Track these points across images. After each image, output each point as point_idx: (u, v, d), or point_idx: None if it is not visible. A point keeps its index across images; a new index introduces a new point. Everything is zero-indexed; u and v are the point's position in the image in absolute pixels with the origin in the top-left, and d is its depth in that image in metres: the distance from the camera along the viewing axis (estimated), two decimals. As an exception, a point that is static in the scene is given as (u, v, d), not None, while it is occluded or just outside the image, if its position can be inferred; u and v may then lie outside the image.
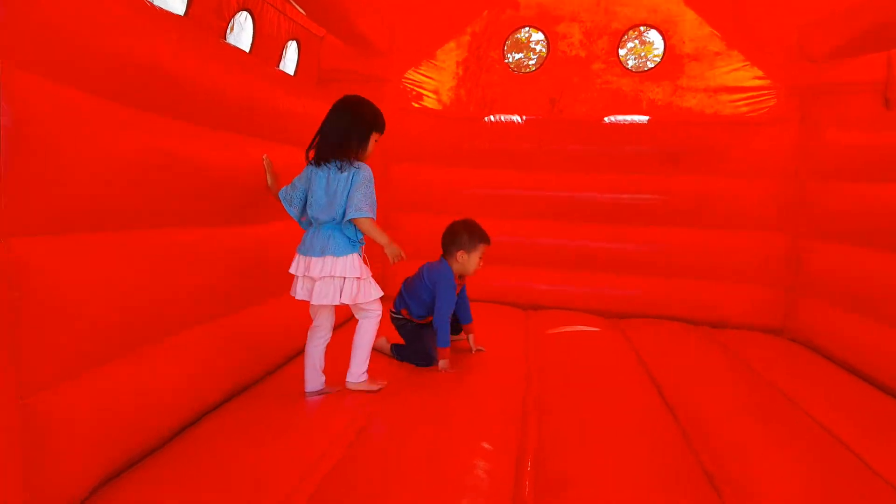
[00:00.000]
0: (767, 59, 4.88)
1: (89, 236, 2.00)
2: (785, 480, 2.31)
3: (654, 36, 5.38)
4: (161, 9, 2.50)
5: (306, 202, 2.83)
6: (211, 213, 2.72)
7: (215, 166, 2.70)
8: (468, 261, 3.46)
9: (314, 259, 2.71)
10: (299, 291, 2.79)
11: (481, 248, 3.48)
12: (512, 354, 3.76)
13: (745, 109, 5.03)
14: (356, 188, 2.70)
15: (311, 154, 2.83)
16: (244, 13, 4.11)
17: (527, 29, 5.52)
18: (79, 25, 1.90)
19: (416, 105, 5.34)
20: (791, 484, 2.29)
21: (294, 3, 3.95)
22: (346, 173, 2.71)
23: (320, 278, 2.71)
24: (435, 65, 5.42)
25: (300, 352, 3.63)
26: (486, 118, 5.08)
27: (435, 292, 3.41)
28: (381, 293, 2.87)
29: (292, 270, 2.80)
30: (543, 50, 5.52)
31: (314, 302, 2.75)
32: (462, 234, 3.47)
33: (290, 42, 4.68)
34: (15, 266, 1.67)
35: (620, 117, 4.95)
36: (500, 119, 5.04)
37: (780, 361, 3.92)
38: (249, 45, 4.20)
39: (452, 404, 2.91)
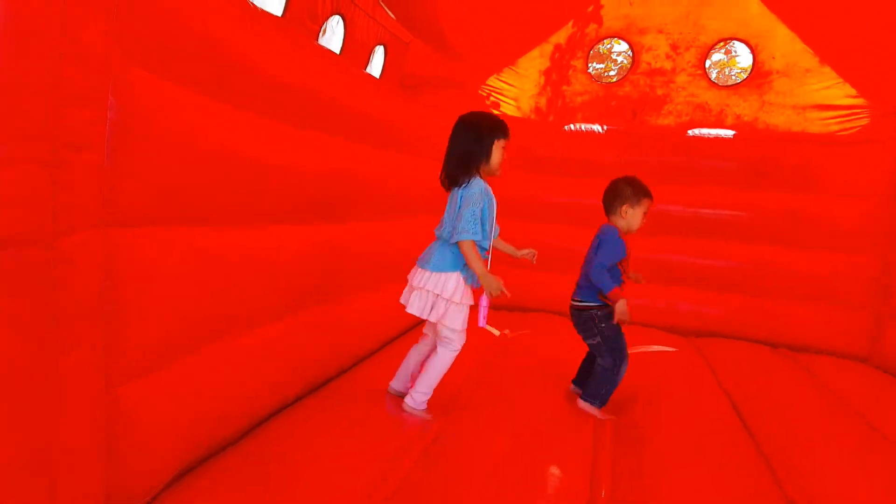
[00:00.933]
0: (862, 78, 4.70)
1: (182, 229, 2.03)
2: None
3: (741, 49, 5.26)
4: (262, 9, 2.58)
5: None
6: (295, 210, 2.76)
7: (302, 165, 2.74)
8: (633, 215, 3.21)
9: (419, 269, 2.78)
10: (403, 295, 2.85)
11: (645, 202, 3.22)
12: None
13: (835, 128, 4.85)
14: (464, 206, 2.68)
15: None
16: (336, 17, 4.25)
17: (608, 40, 5.49)
18: (186, 21, 1.93)
19: (498, 112, 5.38)
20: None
21: (384, 6, 4.06)
22: (461, 190, 2.75)
23: (417, 288, 2.75)
24: (517, 72, 5.45)
25: (376, 350, 3.72)
26: (566, 127, 5.08)
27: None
28: (465, 326, 2.78)
29: (409, 276, 2.85)
30: (625, 61, 5.48)
31: (407, 309, 2.78)
32: (625, 188, 3.24)
33: (377, 47, 4.81)
34: (112, 255, 1.66)
35: (705, 131, 4.85)
36: (580, 128, 5.02)
37: (866, 389, 3.75)
38: (339, 49, 4.33)
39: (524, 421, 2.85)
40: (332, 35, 4.32)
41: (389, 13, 4.12)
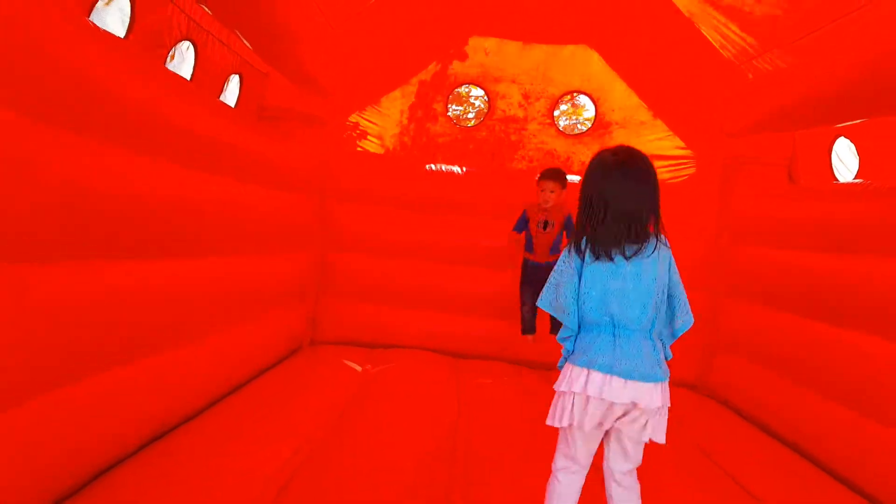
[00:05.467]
0: (689, 131, 5.25)
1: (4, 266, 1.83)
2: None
3: (585, 100, 5.69)
4: (101, 28, 2.41)
5: None
6: (134, 245, 2.55)
7: (143, 195, 2.56)
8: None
9: (628, 381, 2.03)
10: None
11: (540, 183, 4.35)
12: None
13: (667, 176, 5.35)
14: (676, 276, 2.18)
15: None
16: (187, 42, 4.07)
17: (467, 85, 5.72)
18: (9, 35, 1.77)
19: (360, 148, 5.39)
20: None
21: (243, 39, 3.95)
22: (661, 251, 2.13)
23: (646, 410, 2.05)
24: (379, 111, 5.50)
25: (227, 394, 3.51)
26: (427, 166, 5.18)
27: None
28: (559, 423, 2.10)
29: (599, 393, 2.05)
30: (483, 105, 5.72)
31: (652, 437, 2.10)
32: None
33: (232, 76, 4.66)
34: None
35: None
36: (441, 168, 5.15)
37: (695, 416, 4.08)
38: (190, 75, 4.14)
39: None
40: (182, 61, 4.13)
41: (246, 43, 4.01)
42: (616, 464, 2.14)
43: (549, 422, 2.11)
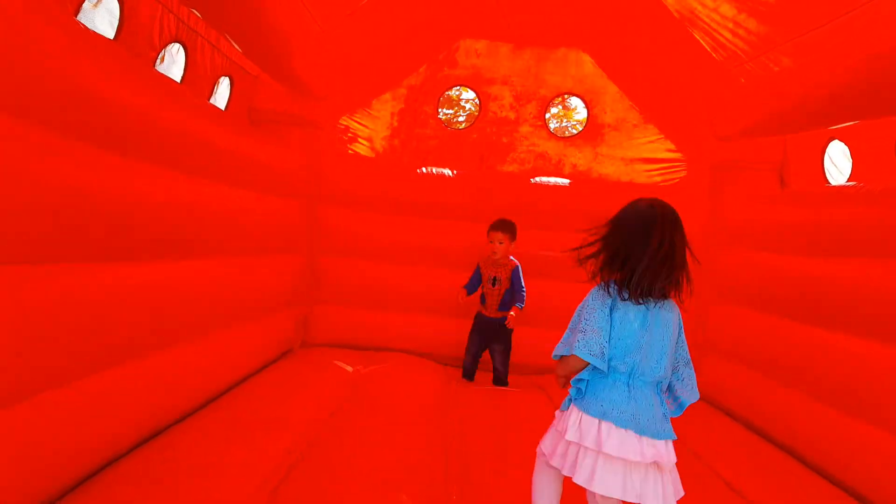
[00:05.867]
0: (680, 135, 5.27)
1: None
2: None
3: (576, 102, 5.69)
4: (90, 30, 2.41)
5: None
6: (125, 247, 2.55)
7: (134, 198, 2.55)
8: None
9: (645, 439, 1.97)
10: (623, 488, 1.96)
11: (490, 234, 4.48)
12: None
13: (658, 179, 5.36)
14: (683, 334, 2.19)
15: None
16: (177, 45, 4.05)
17: (458, 87, 5.71)
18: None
19: (350, 151, 5.38)
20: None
21: (232, 42, 3.93)
22: (671, 309, 2.15)
23: (664, 469, 2.01)
24: (370, 114, 5.49)
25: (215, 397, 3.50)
26: (418, 169, 5.17)
27: None
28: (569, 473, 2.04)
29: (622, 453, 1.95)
30: (474, 109, 5.72)
31: None
32: None
33: (222, 78, 4.63)
34: None
35: (545, 179, 5.15)
36: (431, 171, 5.14)
37: (686, 419, 4.07)
38: (180, 78, 4.12)
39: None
40: (172, 63, 4.10)
41: (236, 46, 3.99)
42: None
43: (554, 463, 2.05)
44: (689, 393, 2.11)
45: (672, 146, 5.34)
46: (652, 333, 2.00)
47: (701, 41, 4.30)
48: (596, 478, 1.90)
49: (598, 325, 2.01)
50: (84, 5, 3.19)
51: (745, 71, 4.14)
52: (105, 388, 2.37)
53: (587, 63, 5.52)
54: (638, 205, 2.12)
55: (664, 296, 2.02)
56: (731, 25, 3.91)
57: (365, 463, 2.76)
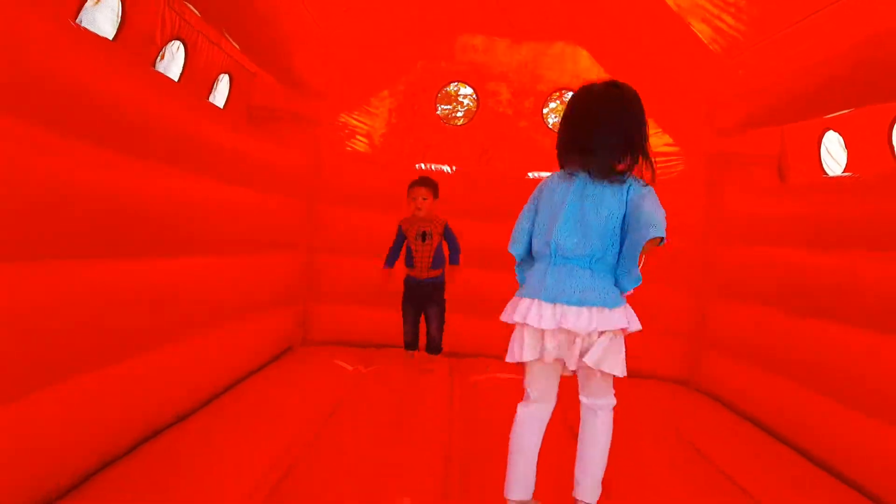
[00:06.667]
0: (677, 128, 5.28)
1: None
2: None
3: (575, 99, 5.71)
4: (87, 30, 2.42)
5: None
6: (118, 243, 2.52)
7: (131, 195, 2.55)
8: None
9: (567, 307, 2.05)
10: (544, 350, 2.12)
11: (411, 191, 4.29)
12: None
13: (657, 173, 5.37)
14: (647, 205, 2.13)
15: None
16: (177, 42, 4.05)
17: (456, 83, 5.73)
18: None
19: (349, 148, 5.38)
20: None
21: (231, 40, 3.93)
22: (626, 187, 2.17)
23: (581, 334, 2.06)
24: (368, 110, 5.50)
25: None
26: (416, 166, 5.18)
27: None
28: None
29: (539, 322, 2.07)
30: (472, 104, 5.73)
31: (588, 359, 2.07)
32: None
33: (221, 75, 4.64)
34: None
35: (544, 174, 5.17)
36: (430, 168, 5.15)
37: (686, 412, 4.12)
38: (179, 75, 4.13)
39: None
40: (172, 61, 4.11)
41: (234, 44, 3.99)
42: (581, 394, 2.21)
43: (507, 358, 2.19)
44: (625, 279, 2.13)
45: (669, 140, 5.35)
46: (584, 211, 2.04)
47: (698, 33, 4.31)
48: (515, 347, 2.11)
49: (523, 214, 2.23)
50: (86, 4, 3.19)
51: (743, 61, 4.15)
52: (104, 386, 2.37)
53: (584, 58, 5.53)
54: (591, 86, 2.23)
55: (608, 171, 2.05)
56: (733, 10, 3.93)
57: (365, 462, 2.76)
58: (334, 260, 5.11)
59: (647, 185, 2.12)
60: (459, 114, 5.73)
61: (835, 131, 4.48)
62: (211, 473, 2.49)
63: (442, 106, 5.67)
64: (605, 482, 2.51)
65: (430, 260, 4.30)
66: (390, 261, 4.41)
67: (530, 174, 5.16)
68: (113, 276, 2.44)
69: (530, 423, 2.17)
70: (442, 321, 4.46)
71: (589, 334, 2.02)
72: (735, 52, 4.15)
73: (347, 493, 2.47)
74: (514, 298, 2.15)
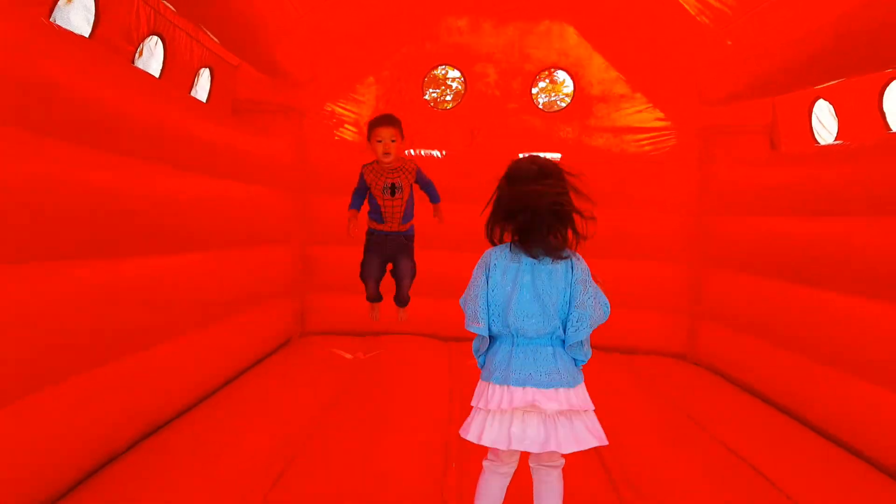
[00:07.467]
0: (668, 102, 5.23)
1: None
2: (690, 494, 2.46)
3: (563, 76, 5.65)
4: (62, 28, 2.39)
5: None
6: (99, 242, 2.49)
7: (115, 194, 2.53)
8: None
9: (539, 391, 1.97)
10: (525, 439, 1.99)
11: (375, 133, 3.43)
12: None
13: (648, 148, 5.34)
14: (589, 284, 2.09)
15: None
16: (154, 38, 4.00)
17: (443, 66, 5.66)
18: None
19: (337, 137, 5.34)
20: (695, 496, 2.44)
21: (208, 33, 3.88)
22: (569, 263, 2.06)
23: (560, 415, 1.99)
24: (355, 98, 5.44)
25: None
26: (406, 151, 5.13)
27: None
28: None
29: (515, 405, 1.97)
30: (460, 87, 5.67)
31: (564, 448, 2.00)
32: None
33: (202, 69, 4.58)
34: None
35: (534, 154, 5.13)
36: (420, 153, 5.11)
37: (684, 385, 4.13)
38: (159, 71, 4.07)
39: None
40: (151, 57, 4.05)
41: (213, 37, 3.94)
42: (531, 461, 2.13)
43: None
44: (576, 351, 2.06)
45: (661, 114, 5.31)
46: (536, 289, 1.99)
47: (685, 4, 4.24)
48: (483, 433, 1.98)
49: (475, 290, 2.06)
50: (59, 3, 3.14)
51: (731, 33, 4.09)
52: (104, 384, 2.38)
53: (571, 35, 5.46)
54: (518, 162, 2.19)
55: (552, 250, 2.00)
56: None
57: (365, 454, 2.76)
58: (328, 250, 5.09)
59: (579, 257, 2.08)
60: (448, 97, 5.66)
61: (825, 100, 4.44)
62: (213, 467, 2.51)
63: (431, 91, 5.60)
64: (607, 458, 2.53)
65: (402, 214, 3.63)
66: (355, 203, 3.68)
67: (521, 155, 5.11)
68: (107, 277, 2.44)
69: (495, 477, 2.15)
70: (414, 274, 3.86)
71: (556, 414, 1.98)
72: (722, 25, 4.09)
73: (347, 486, 2.47)
74: (482, 384, 2.08)
